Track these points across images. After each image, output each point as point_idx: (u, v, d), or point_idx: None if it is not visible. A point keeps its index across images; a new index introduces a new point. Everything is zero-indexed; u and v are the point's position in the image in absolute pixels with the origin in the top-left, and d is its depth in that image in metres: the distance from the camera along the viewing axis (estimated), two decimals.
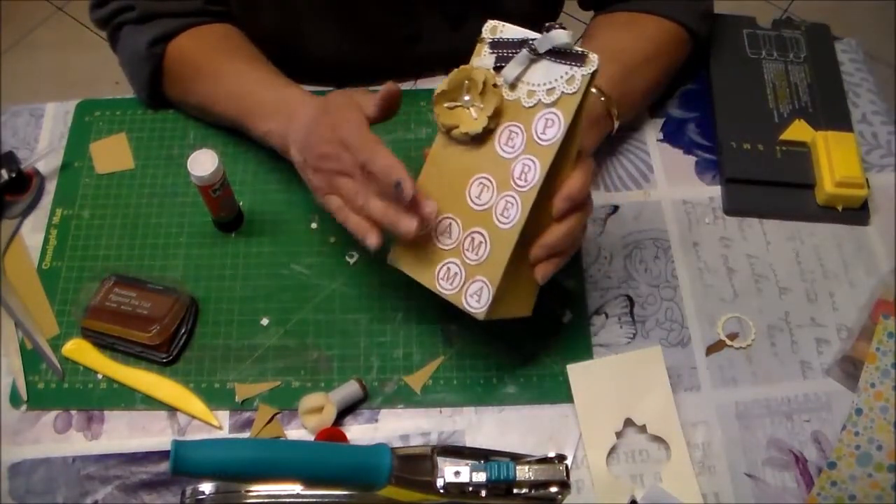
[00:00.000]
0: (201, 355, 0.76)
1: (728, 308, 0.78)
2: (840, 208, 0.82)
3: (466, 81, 0.66)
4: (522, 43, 0.65)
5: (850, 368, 0.73)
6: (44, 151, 0.87)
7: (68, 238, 0.82)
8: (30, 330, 0.76)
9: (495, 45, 0.66)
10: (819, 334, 0.77)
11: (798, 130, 0.85)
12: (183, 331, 0.75)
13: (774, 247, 0.81)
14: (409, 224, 0.64)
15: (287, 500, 0.61)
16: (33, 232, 0.83)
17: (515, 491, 0.56)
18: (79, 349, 0.76)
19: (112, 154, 0.87)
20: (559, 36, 0.62)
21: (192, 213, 0.83)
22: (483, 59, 0.67)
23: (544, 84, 0.64)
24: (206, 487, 0.62)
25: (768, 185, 0.83)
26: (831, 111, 0.87)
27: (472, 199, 0.67)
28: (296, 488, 0.60)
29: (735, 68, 0.90)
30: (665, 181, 0.85)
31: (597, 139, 0.80)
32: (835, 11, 1.95)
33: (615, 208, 0.83)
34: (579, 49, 0.62)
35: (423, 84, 0.92)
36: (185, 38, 0.83)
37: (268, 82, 0.79)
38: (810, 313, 0.78)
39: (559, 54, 0.63)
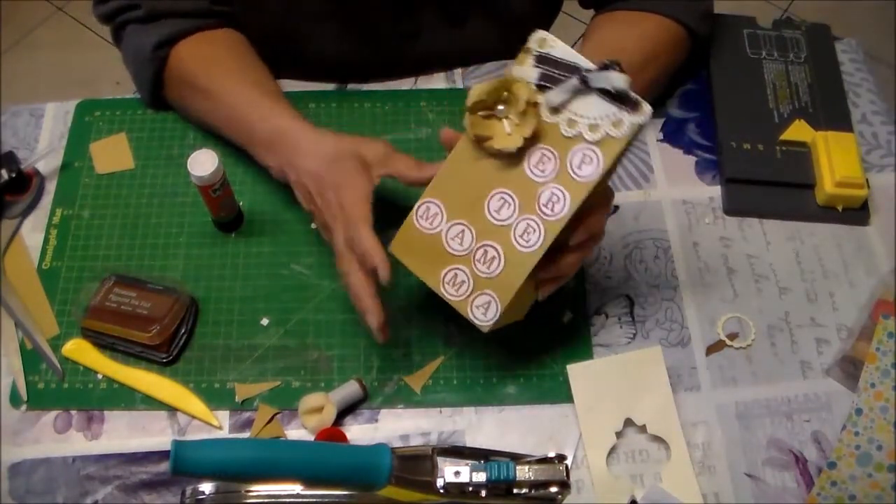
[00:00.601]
0: (201, 355, 0.76)
1: (728, 308, 0.78)
2: (840, 208, 0.82)
3: (505, 93, 0.64)
4: (573, 69, 0.63)
5: (850, 368, 0.73)
6: (44, 151, 0.87)
7: (68, 238, 0.82)
8: (30, 330, 0.76)
9: (542, 60, 0.64)
10: (819, 334, 0.77)
11: (798, 130, 0.85)
12: (183, 331, 0.75)
13: (774, 247, 0.81)
14: (373, 320, 0.68)
15: (287, 500, 0.61)
16: (33, 232, 0.83)
17: (515, 491, 0.56)
18: (79, 349, 0.76)
19: (112, 154, 0.87)
20: (618, 79, 0.61)
21: (192, 213, 0.83)
22: (525, 70, 0.64)
23: (588, 118, 0.63)
24: (206, 487, 0.62)
25: (768, 185, 0.83)
26: (831, 111, 0.87)
27: (490, 212, 0.66)
28: (296, 488, 0.60)
29: (735, 68, 0.90)
30: (665, 181, 0.85)
31: None
32: (835, 11, 1.95)
33: (615, 208, 0.83)
34: (634, 95, 0.61)
35: (423, 84, 0.92)
36: (188, 46, 0.83)
37: (265, 111, 0.77)
38: (810, 313, 0.78)
39: (610, 93, 0.62)
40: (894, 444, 0.67)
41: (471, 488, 0.55)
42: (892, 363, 0.70)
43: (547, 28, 1.00)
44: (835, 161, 0.80)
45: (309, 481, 0.55)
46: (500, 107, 0.64)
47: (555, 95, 0.63)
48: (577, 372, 0.72)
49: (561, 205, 0.63)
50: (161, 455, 0.71)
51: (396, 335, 0.76)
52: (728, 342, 0.76)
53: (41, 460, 0.71)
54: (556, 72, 0.64)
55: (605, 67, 0.62)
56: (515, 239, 0.65)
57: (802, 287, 0.79)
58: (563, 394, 0.73)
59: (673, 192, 0.85)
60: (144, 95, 0.87)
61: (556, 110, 0.64)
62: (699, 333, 0.77)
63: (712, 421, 0.72)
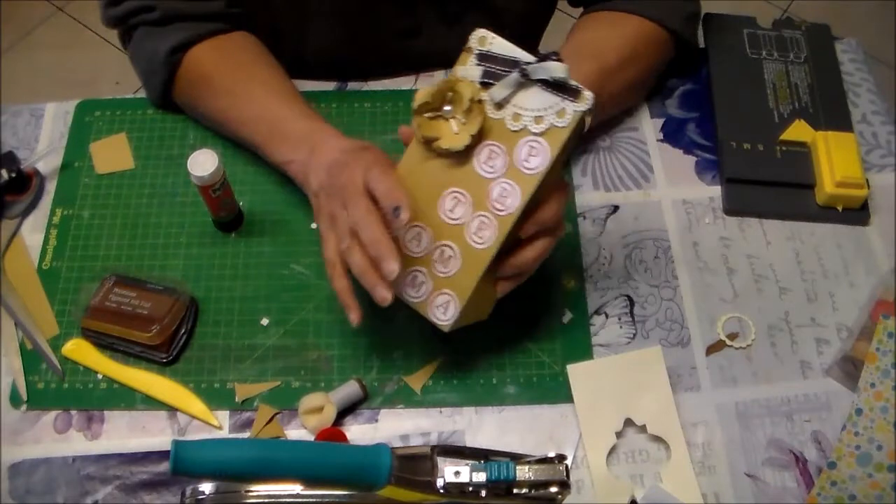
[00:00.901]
0: (201, 355, 0.76)
1: (728, 308, 0.78)
2: (840, 208, 0.82)
3: (450, 93, 0.65)
4: (514, 64, 0.64)
5: (850, 368, 0.73)
6: (44, 151, 0.87)
7: (68, 238, 0.82)
8: (30, 330, 0.76)
9: (484, 58, 0.65)
10: (819, 334, 0.77)
11: (798, 130, 0.85)
12: (183, 331, 0.75)
13: (774, 247, 0.81)
14: (382, 295, 0.63)
15: (287, 500, 0.61)
16: (33, 232, 0.83)
17: (515, 491, 0.56)
18: (79, 349, 0.76)
19: (112, 154, 0.87)
20: (556, 69, 0.62)
21: (192, 213, 0.83)
22: (468, 69, 0.65)
23: (532, 110, 0.63)
24: (206, 487, 0.62)
25: (768, 185, 0.83)
26: (831, 111, 0.87)
27: (444, 212, 0.66)
28: (296, 488, 0.60)
29: (735, 68, 0.90)
30: (665, 181, 0.85)
31: None
32: (835, 11, 1.95)
33: (615, 208, 0.83)
34: (574, 83, 0.62)
35: (423, 83, 0.92)
36: (205, 50, 0.83)
37: (295, 112, 0.78)
38: (810, 313, 0.78)
39: (552, 84, 0.62)
40: (894, 444, 0.67)
41: (471, 488, 0.55)
42: (892, 363, 0.70)
43: (543, 26, 1.01)
44: (835, 161, 0.80)
45: (309, 481, 0.55)
46: (447, 107, 0.65)
47: (497, 91, 0.64)
48: (577, 372, 0.72)
49: (512, 199, 0.64)
50: (161, 455, 0.71)
51: (396, 335, 0.76)
52: (728, 342, 0.76)
53: (41, 460, 0.71)
54: (498, 68, 0.65)
55: (543, 58, 0.62)
56: (470, 236, 0.66)
57: (802, 287, 0.79)
58: (563, 394, 0.73)
59: (673, 192, 0.85)
60: (154, 97, 0.87)
61: (500, 106, 0.65)
62: (699, 333, 0.77)
63: (712, 421, 0.72)
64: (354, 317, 0.67)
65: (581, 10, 0.92)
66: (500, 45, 0.65)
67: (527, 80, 0.63)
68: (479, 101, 0.65)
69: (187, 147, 0.87)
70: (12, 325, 0.77)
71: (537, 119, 0.63)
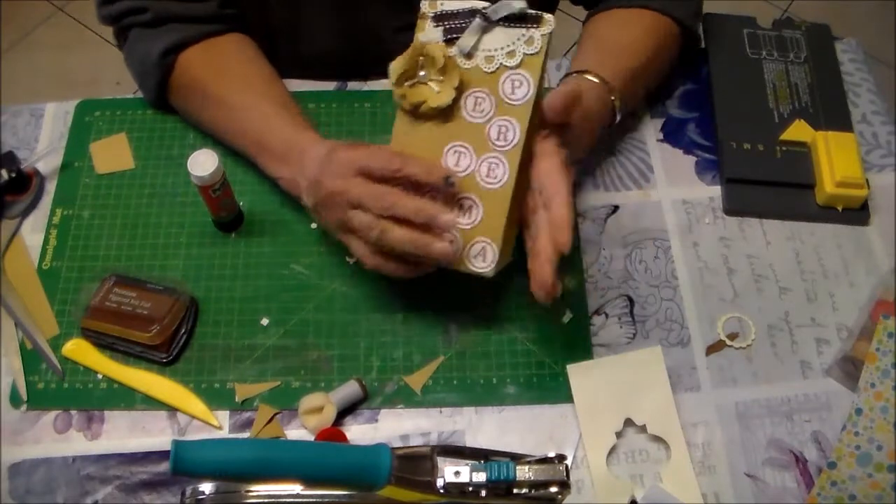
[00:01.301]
0: (201, 355, 0.76)
1: (728, 308, 0.78)
2: (840, 208, 0.82)
3: (421, 58, 0.67)
4: (472, 13, 0.67)
5: (850, 368, 0.73)
6: (44, 151, 0.87)
7: (68, 238, 0.82)
8: (30, 330, 0.76)
9: (439, 18, 0.68)
10: (819, 334, 0.77)
11: (798, 130, 0.85)
12: (183, 331, 0.75)
13: (774, 247, 0.81)
14: (443, 246, 0.65)
15: (287, 500, 0.61)
16: (33, 232, 0.83)
17: (515, 491, 0.56)
18: (79, 349, 0.76)
19: (112, 154, 0.87)
20: (514, 2, 0.65)
21: (192, 213, 0.83)
22: (429, 33, 0.68)
23: (502, 48, 0.67)
24: (206, 487, 0.62)
25: (768, 185, 0.83)
26: (831, 111, 0.87)
27: (450, 167, 0.68)
28: (296, 488, 0.60)
29: (735, 68, 0.90)
30: (665, 181, 0.85)
31: (597, 134, 0.81)
32: (835, 11, 1.95)
33: (615, 208, 0.83)
34: (532, 11, 0.65)
35: None
36: (195, 53, 0.82)
37: (275, 122, 0.78)
38: (810, 313, 0.78)
39: (512, 19, 0.66)
40: (894, 444, 0.67)
41: (471, 488, 0.55)
42: (892, 363, 0.70)
43: None
44: (835, 161, 0.80)
45: (309, 481, 0.55)
46: (422, 73, 0.68)
47: (465, 41, 0.67)
48: (577, 372, 0.72)
49: (512, 132, 0.67)
50: (161, 455, 0.71)
51: (396, 335, 0.76)
52: (728, 342, 0.76)
53: (41, 460, 0.71)
54: (457, 22, 0.68)
55: None
56: (483, 180, 0.68)
57: (802, 287, 0.79)
58: (563, 394, 0.73)
59: (673, 192, 0.85)
60: (149, 99, 0.87)
61: (469, 56, 0.68)
62: (699, 333, 0.77)
63: (712, 421, 0.72)
64: (441, 245, 0.65)
65: (581, 7, 0.92)
66: (451, 2, 0.68)
67: (489, 23, 0.66)
68: (451, 58, 0.67)
69: (187, 147, 0.87)
70: (12, 325, 0.77)
71: (509, 54, 0.67)
